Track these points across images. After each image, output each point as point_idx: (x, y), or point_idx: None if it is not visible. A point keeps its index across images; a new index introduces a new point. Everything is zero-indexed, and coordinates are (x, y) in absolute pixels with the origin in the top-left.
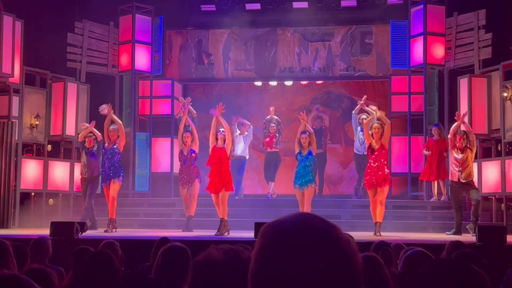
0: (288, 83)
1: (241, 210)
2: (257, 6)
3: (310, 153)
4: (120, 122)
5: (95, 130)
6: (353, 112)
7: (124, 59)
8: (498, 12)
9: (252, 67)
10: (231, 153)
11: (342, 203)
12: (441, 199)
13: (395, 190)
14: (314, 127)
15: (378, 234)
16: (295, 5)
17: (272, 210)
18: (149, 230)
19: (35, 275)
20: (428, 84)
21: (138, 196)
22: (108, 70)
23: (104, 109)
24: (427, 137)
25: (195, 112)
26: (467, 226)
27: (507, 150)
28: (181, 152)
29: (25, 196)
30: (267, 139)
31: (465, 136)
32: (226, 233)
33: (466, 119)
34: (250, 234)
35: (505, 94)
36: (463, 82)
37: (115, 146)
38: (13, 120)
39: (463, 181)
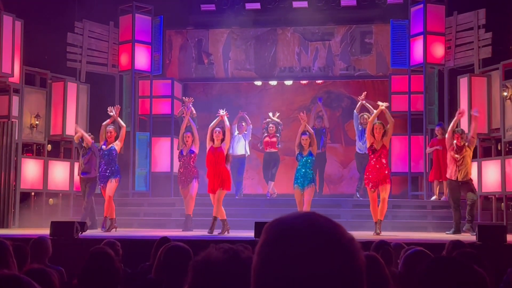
0: (288, 82)
1: (241, 210)
2: (257, 5)
3: (310, 154)
4: (124, 125)
5: (86, 135)
6: (354, 111)
7: (124, 59)
8: (498, 11)
9: (252, 67)
10: (228, 152)
11: (342, 202)
12: (442, 199)
13: (395, 190)
14: (314, 126)
15: (378, 231)
16: (295, 4)
17: (272, 210)
18: (149, 229)
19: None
20: (428, 83)
21: (138, 195)
22: (108, 70)
23: (111, 111)
24: (427, 136)
25: (195, 112)
26: (464, 228)
27: (507, 149)
28: (180, 153)
29: (25, 196)
30: (267, 139)
31: (463, 135)
32: (226, 233)
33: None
34: (250, 234)
35: (505, 94)
36: (463, 82)
37: (112, 148)
38: (13, 120)
39: (461, 180)
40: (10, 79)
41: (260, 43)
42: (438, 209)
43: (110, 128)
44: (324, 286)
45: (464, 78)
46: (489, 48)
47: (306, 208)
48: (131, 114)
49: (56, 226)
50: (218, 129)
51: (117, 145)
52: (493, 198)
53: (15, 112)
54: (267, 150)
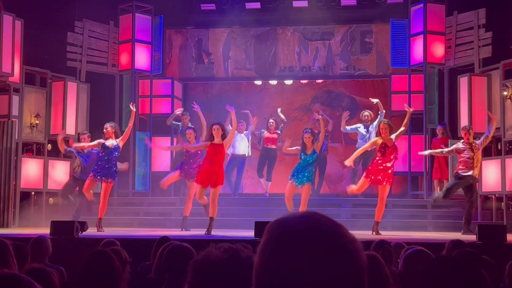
0: (288, 82)
1: (241, 209)
2: (257, 5)
3: (314, 152)
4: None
5: (80, 145)
6: (343, 128)
7: (124, 58)
8: (498, 11)
9: (252, 66)
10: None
11: (342, 202)
12: None
13: (395, 189)
14: (315, 131)
15: (377, 232)
16: (295, 4)
17: (272, 209)
18: (149, 229)
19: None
20: (428, 83)
21: (138, 195)
22: (108, 69)
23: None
24: (427, 136)
25: (205, 122)
26: (462, 233)
27: (507, 149)
28: (187, 151)
29: (25, 196)
30: (267, 135)
31: (470, 131)
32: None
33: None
34: (250, 233)
35: (505, 93)
36: (463, 81)
37: (115, 147)
38: (13, 119)
39: (471, 178)
40: (10, 79)
41: (260, 43)
42: (438, 208)
43: (106, 125)
44: (326, 287)
45: (464, 78)
46: (489, 48)
47: (302, 207)
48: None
49: (56, 226)
50: (216, 125)
51: (120, 143)
52: (493, 197)
53: (15, 111)
54: (267, 146)
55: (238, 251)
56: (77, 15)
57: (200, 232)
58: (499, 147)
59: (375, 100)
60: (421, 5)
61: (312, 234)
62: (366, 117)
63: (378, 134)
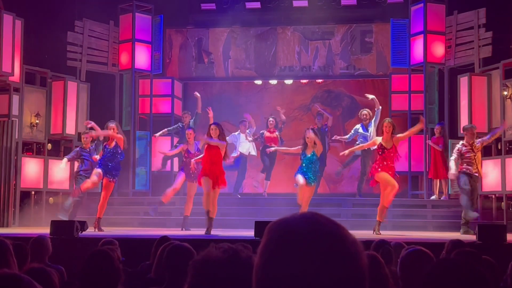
0: (288, 81)
1: (242, 209)
2: (257, 4)
3: (314, 154)
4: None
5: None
6: (346, 140)
7: (124, 58)
8: (498, 10)
9: (252, 66)
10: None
11: (342, 201)
12: (442, 198)
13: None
14: (315, 126)
15: (378, 232)
16: (295, 3)
17: (272, 209)
18: (149, 228)
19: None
20: (428, 82)
21: (138, 194)
22: (108, 69)
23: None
24: (427, 136)
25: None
26: (461, 233)
27: (507, 148)
28: (186, 153)
29: (25, 195)
30: (267, 134)
31: (474, 131)
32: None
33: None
34: (250, 233)
35: (505, 93)
36: (463, 81)
37: (117, 148)
38: (13, 119)
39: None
40: (10, 78)
41: (260, 42)
42: (438, 208)
43: (112, 124)
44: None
45: (464, 77)
46: (489, 48)
47: (304, 207)
48: (131, 113)
49: (56, 225)
50: (214, 125)
51: (119, 141)
52: (493, 197)
53: (15, 111)
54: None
55: (238, 251)
56: (77, 14)
57: (201, 232)
58: (499, 147)
59: (370, 96)
60: (421, 4)
61: (313, 235)
62: (364, 116)
63: (380, 132)
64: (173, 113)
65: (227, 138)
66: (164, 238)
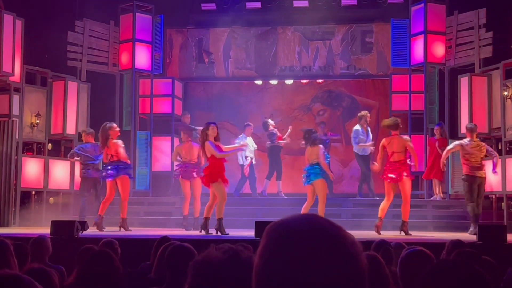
0: (289, 81)
1: (242, 209)
2: (257, 4)
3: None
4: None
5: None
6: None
7: (124, 58)
8: (498, 10)
9: (252, 66)
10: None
11: (342, 201)
12: (436, 198)
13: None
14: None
15: (403, 233)
16: (296, 3)
17: (272, 209)
18: (149, 229)
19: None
20: (428, 83)
21: (138, 194)
22: (108, 69)
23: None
24: (427, 136)
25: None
26: (469, 233)
27: (507, 149)
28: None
29: (26, 195)
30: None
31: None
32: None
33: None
34: (250, 233)
35: (505, 93)
36: (463, 81)
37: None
38: (13, 119)
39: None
40: (11, 78)
41: (260, 42)
42: (438, 208)
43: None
44: None
45: (464, 78)
46: (489, 48)
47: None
48: (131, 113)
49: (56, 225)
50: (214, 125)
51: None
52: (494, 197)
53: (15, 111)
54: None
55: (239, 252)
56: (77, 14)
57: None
58: (500, 147)
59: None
60: (422, 5)
61: (312, 236)
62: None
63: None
64: (174, 113)
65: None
66: (165, 238)
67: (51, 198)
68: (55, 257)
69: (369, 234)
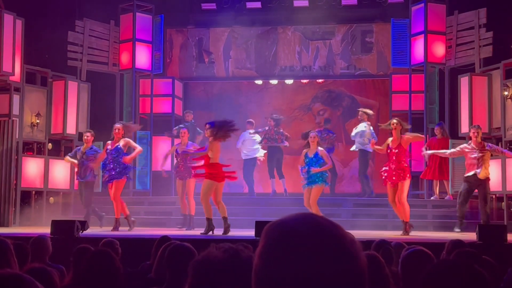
0: (289, 81)
1: (242, 209)
2: (257, 4)
3: (316, 154)
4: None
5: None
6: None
7: (124, 58)
8: (498, 10)
9: (252, 66)
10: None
11: (342, 201)
12: (445, 198)
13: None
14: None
15: (405, 233)
16: (296, 3)
17: (272, 209)
18: (149, 228)
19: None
20: (428, 82)
21: (138, 194)
22: (108, 69)
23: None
24: (428, 135)
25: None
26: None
27: (507, 148)
28: (176, 153)
29: (26, 195)
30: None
31: (479, 130)
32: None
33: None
34: (250, 233)
35: (505, 93)
36: (463, 81)
37: (119, 146)
38: (13, 118)
39: (474, 179)
40: (11, 78)
41: (260, 42)
42: (438, 208)
43: (119, 125)
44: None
45: (464, 78)
46: (489, 48)
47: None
48: (131, 113)
49: (56, 225)
50: (208, 125)
51: (124, 146)
52: (494, 197)
53: (16, 110)
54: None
55: (239, 251)
56: (77, 14)
57: (201, 231)
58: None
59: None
60: (422, 4)
61: (311, 235)
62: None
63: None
64: (174, 113)
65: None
66: (165, 238)
67: (51, 197)
68: (55, 256)
69: (369, 233)
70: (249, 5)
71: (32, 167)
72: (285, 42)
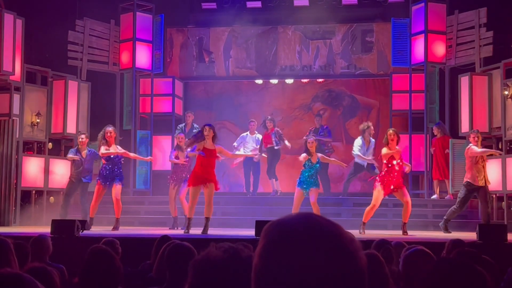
0: (289, 81)
1: (242, 208)
2: (258, 4)
3: (318, 161)
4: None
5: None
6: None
7: (125, 57)
8: (499, 10)
9: (253, 65)
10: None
11: (342, 201)
12: (446, 198)
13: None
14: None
15: (405, 233)
16: (296, 3)
17: (272, 208)
18: (149, 228)
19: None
20: (429, 82)
21: (138, 194)
22: (109, 68)
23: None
24: (428, 135)
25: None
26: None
27: (507, 148)
28: (171, 152)
29: (26, 194)
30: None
31: (479, 135)
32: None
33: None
34: (250, 232)
35: (506, 92)
36: (464, 80)
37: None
38: (14, 118)
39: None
40: (11, 77)
41: (261, 42)
42: (438, 207)
43: (110, 128)
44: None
45: (465, 77)
46: (490, 47)
47: (314, 209)
48: (132, 113)
49: (56, 224)
50: (207, 126)
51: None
52: (494, 197)
53: (16, 110)
54: (267, 146)
55: (239, 251)
56: (78, 13)
57: (199, 231)
58: (500, 147)
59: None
60: (422, 4)
61: (311, 235)
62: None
63: (385, 143)
64: (174, 112)
65: (235, 143)
66: (165, 238)
67: (51, 197)
68: (56, 256)
69: (369, 233)
70: (250, 4)
71: (32, 167)
72: (285, 41)
